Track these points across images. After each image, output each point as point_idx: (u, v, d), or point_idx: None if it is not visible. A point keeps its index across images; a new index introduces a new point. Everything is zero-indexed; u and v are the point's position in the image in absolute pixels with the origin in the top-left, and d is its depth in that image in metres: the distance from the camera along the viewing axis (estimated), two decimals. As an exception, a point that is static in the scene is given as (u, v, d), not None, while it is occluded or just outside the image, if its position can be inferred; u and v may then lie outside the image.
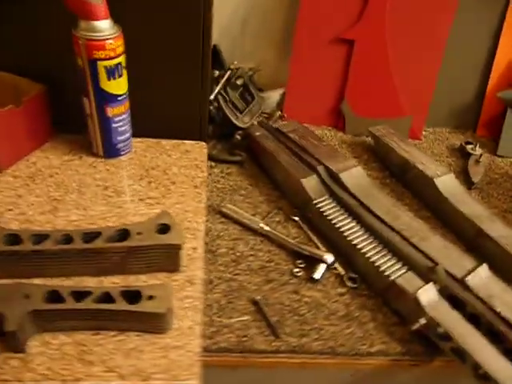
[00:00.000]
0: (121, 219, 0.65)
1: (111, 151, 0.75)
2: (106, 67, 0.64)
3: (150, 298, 0.50)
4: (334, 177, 0.75)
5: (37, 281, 0.55)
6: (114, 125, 0.71)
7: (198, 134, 0.83)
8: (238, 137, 0.84)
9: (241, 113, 0.86)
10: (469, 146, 0.93)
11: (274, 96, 0.96)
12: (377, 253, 0.65)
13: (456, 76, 0.97)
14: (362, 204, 0.72)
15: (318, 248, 0.69)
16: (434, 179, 0.77)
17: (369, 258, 0.64)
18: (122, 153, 0.76)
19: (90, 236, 0.55)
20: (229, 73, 0.86)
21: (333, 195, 0.73)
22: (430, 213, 0.78)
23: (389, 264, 0.63)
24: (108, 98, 0.68)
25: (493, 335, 0.56)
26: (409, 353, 0.58)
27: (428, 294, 0.59)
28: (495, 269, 0.64)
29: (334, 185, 0.74)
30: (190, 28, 0.72)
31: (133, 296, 0.50)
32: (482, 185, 0.87)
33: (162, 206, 0.68)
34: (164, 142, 0.82)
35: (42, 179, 0.70)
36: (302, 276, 0.65)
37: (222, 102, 0.84)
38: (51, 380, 0.46)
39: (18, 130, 0.70)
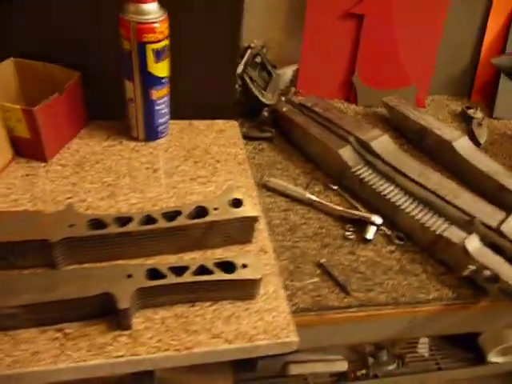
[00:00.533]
0: (179, 199, 0.67)
1: (151, 134, 0.75)
2: (154, 50, 0.65)
3: (244, 266, 0.53)
4: (365, 146, 0.80)
5: (121, 263, 0.57)
6: (157, 107, 0.72)
7: (227, 113, 0.85)
8: (266, 113, 0.87)
9: (264, 90, 0.89)
10: (470, 111, 1.01)
11: (287, 72, 0.99)
12: (419, 211, 0.71)
13: (452, 46, 1.04)
14: (395, 169, 0.77)
15: (360, 211, 0.74)
16: (452, 142, 0.84)
17: (413, 216, 0.70)
18: (162, 135, 0.77)
19: (171, 215, 0.57)
20: (249, 51, 0.88)
21: (367, 163, 0.78)
22: (449, 174, 0.85)
23: (432, 220, 0.70)
24: (153, 81, 0.69)
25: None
26: (459, 297, 0.65)
27: (473, 243, 0.66)
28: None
29: (366, 153, 0.79)
30: (223, 9, 0.73)
31: (226, 266, 0.53)
32: (486, 145, 0.95)
33: (215, 184, 0.71)
34: (196, 122, 0.83)
35: (90, 166, 0.70)
36: (354, 238, 0.71)
37: (247, 80, 0.86)
38: (165, 351, 0.49)
39: (61, 118, 0.69)
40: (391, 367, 1.14)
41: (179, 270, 0.52)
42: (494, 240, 0.67)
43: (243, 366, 0.95)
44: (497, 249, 0.67)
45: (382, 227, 0.72)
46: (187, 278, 0.51)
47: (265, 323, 0.53)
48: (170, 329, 0.51)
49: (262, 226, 0.65)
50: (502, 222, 0.69)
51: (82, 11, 0.68)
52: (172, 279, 0.51)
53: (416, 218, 0.70)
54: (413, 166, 0.78)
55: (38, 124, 0.64)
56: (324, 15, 0.95)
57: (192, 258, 0.59)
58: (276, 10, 1.05)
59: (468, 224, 0.69)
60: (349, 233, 0.71)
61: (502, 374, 1.26)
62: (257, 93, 0.86)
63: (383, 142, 0.81)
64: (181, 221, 0.56)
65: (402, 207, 0.71)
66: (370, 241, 0.70)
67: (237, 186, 0.71)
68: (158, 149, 0.76)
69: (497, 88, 1.04)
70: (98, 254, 0.55)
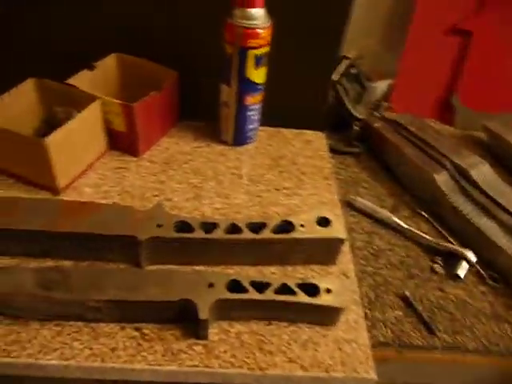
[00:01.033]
0: (263, 208, 0.66)
1: (240, 139, 0.75)
2: (255, 56, 0.64)
3: (328, 291, 0.51)
4: (463, 173, 0.74)
5: (200, 268, 0.56)
6: (249, 113, 0.71)
7: (316, 123, 0.82)
8: (356, 127, 0.83)
9: (357, 103, 0.85)
10: None
11: (381, 86, 0.94)
12: (521, 253, 0.64)
13: None
14: (495, 202, 0.70)
15: (452, 244, 0.68)
16: None
17: (511, 255, 0.64)
18: (250, 141, 0.76)
19: (256, 226, 0.55)
20: (346, 62, 0.85)
21: (464, 191, 0.72)
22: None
23: (535, 265, 0.63)
24: (250, 87, 0.68)
25: None
26: (561, 355, 0.58)
27: None
28: None
29: (463, 181, 0.73)
30: (327, 19, 0.71)
31: (309, 288, 0.51)
32: None
33: (300, 197, 0.68)
34: (284, 131, 0.81)
35: (178, 165, 0.71)
36: (443, 273, 0.65)
37: (341, 91, 0.82)
38: (239, 368, 0.48)
39: (156, 115, 0.71)
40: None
41: (261, 286, 0.50)
42: None
43: None
44: None
45: (475, 265, 0.66)
46: (269, 295, 0.49)
47: (343, 354, 0.50)
48: (245, 345, 0.50)
49: (346, 247, 0.61)
50: None
51: (186, 15, 0.69)
52: (253, 295, 0.49)
53: (516, 259, 0.63)
54: (516, 201, 0.71)
55: (135, 119, 0.65)
56: (429, 29, 0.89)
57: (272, 273, 0.57)
58: (374, 20, 1.01)
59: None
60: (437, 266, 0.66)
61: None
62: (349, 105, 0.83)
63: (483, 171, 0.74)
64: (266, 234, 0.54)
65: (501, 246, 0.65)
66: (460, 278, 0.64)
67: (321, 201, 0.68)
68: (245, 154, 0.75)
69: None
70: (180, 257, 0.55)
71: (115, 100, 0.64)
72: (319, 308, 0.50)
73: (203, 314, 0.47)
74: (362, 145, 0.84)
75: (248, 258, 0.57)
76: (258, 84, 0.68)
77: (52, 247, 0.54)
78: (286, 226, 0.56)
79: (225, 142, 0.76)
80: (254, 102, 0.70)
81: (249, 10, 0.61)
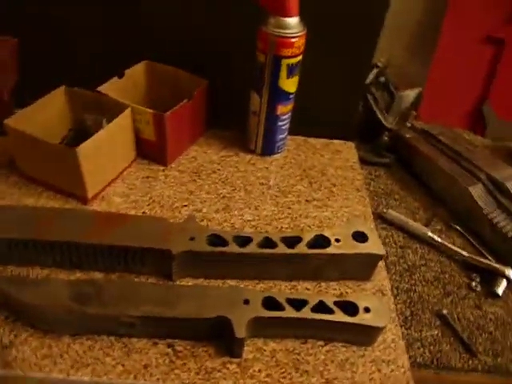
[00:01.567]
0: (294, 221, 0.64)
1: (269, 149, 0.73)
2: (288, 65, 0.63)
3: (366, 310, 0.49)
4: (500, 186, 0.71)
5: (232, 283, 0.55)
6: (280, 123, 0.70)
7: (345, 133, 0.81)
8: (386, 138, 0.81)
9: (386, 112, 0.83)
10: None
11: (410, 95, 0.92)
12: (563, 271, 0.62)
13: None
14: (533, 217, 0.68)
15: (489, 260, 0.66)
16: None
17: (554, 276, 0.61)
18: (279, 151, 0.75)
19: (291, 241, 0.54)
20: (376, 70, 0.83)
21: (500, 205, 0.70)
22: None
23: None
24: (281, 96, 0.66)
25: None
26: None
27: None
28: None
29: (499, 194, 0.71)
30: (361, 28, 0.70)
31: (346, 306, 0.49)
32: None
33: (331, 209, 0.67)
34: (313, 140, 0.80)
35: (207, 175, 0.70)
36: (480, 290, 0.63)
37: (371, 101, 0.81)
38: (275, 388, 0.46)
39: (186, 124, 0.70)
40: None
41: (297, 303, 0.48)
42: None
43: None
44: None
45: (514, 282, 0.64)
46: (306, 313, 0.48)
47: (382, 376, 0.48)
48: (281, 364, 0.48)
49: (381, 263, 0.59)
50: None
51: (217, 23, 0.68)
52: (290, 312, 0.47)
53: (559, 278, 0.61)
54: (555, 216, 0.68)
55: (166, 129, 0.65)
56: (460, 37, 0.88)
57: (306, 288, 0.56)
58: (402, 29, 1.00)
59: None
60: (474, 283, 0.63)
61: None
62: (379, 115, 0.81)
63: (520, 184, 0.72)
64: (301, 249, 0.53)
65: (542, 263, 0.62)
66: (499, 296, 0.62)
67: (353, 214, 0.67)
68: (274, 164, 0.73)
69: None
70: (212, 271, 0.54)
71: (147, 109, 0.64)
72: (358, 327, 0.48)
73: (240, 332, 0.45)
74: (392, 155, 0.82)
75: (282, 273, 0.55)
76: (289, 93, 0.67)
77: (82, 259, 0.53)
78: (321, 241, 0.55)
79: (253, 152, 0.74)
80: (284, 111, 0.68)
81: (283, 18, 0.60)
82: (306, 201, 0.68)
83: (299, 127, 0.77)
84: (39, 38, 0.69)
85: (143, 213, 0.62)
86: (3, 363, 0.45)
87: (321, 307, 0.49)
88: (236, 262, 0.53)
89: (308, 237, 0.54)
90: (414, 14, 0.98)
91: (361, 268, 0.56)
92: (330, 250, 0.53)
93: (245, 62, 0.66)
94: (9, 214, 0.54)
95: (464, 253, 0.66)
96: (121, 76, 0.70)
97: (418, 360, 0.54)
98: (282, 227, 0.63)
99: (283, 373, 0.47)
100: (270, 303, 0.48)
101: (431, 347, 0.56)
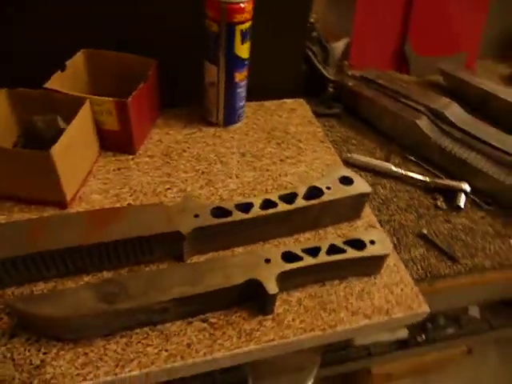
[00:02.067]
0: (276, 181, 0.67)
1: (231, 118, 0.74)
2: (241, 31, 0.63)
3: (372, 242, 0.54)
4: (439, 114, 0.80)
5: (240, 250, 0.57)
6: (239, 90, 0.71)
7: (294, 91, 0.84)
8: (331, 89, 0.86)
9: (326, 65, 0.87)
10: (521, 72, 1.01)
11: (339, 46, 0.97)
12: (505, 176, 0.71)
13: (494, 10, 1.04)
14: (471, 135, 0.77)
15: (446, 180, 0.74)
16: (519, 104, 0.84)
17: (499, 180, 0.71)
18: (240, 119, 0.76)
19: (288, 197, 0.56)
20: (310, 27, 0.86)
21: (443, 131, 0.79)
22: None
23: (519, 183, 0.70)
24: (238, 63, 0.67)
25: None
26: (557, 255, 0.67)
27: None
28: None
29: (440, 122, 0.79)
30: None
31: (354, 244, 0.53)
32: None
33: (305, 164, 0.70)
34: (267, 103, 0.82)
35: (178, 155, 0.69)
36: (445, 207, 0.71)
37: (311, 56, 0.84)
38: (311, 331, 0.49)
39: (145, 108, 0.68)
40: (449, 331, 1.17)
41: (312, 251, 0.52)
42: None
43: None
44: None
45: (470, 194, 0.73)
46: (323, 258, 0.51)
47: (396, 296, 0.54)
48: (309, 309, 0.52)
49: (363, 201, 0.65)
50: None
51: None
52: (309, 261, 0.51)
53: (504, 181, 0.71)
54: (487, 131, 0.78)
55: (130, 116, 0.62)
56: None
57: (307, 239, 0.59)
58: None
59: (556, 184, 0.70)
60: (439, 202, 0.71)
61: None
62: (321, 68, 0.85)
63: (455, 110, 0.81)
64: (300, 203, 0.56)
65: (488, 172, 0.72)
66: (461, 208, 0.71)
67: (326, 163, 0.71)
68: (239, 133, 0.75)
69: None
70: (220, 243, 0.55)
71: (108, 98, 0.61)
72: (368, 259, 0.53)
73: (272, 288, 0.47)
74: (340, 105, 0.87)
75: (284, 230, 0.58)
76: (244, 59, 0.68)
77: (87, 262, 0.51)
78: (314, 192, 0.58)
79: (215, 124, 0.75)
80: (242, 78, 0.69)
81: (231, -16, 0.60)
82: (281, 160, 0.70)
83: (252, 93, 0.78)
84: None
85: (129, 204, 0.60)
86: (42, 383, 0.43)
87: (332, 249, 0.53)
88: (241, 228, 0.54)
89: (302, 191, 0.57)
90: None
91: (352, 208, 0.60)
92: (325, 198, 0.57)
93: (188, 35, 0.66)
94: (-8, 235, 0.50)
95: (425, 178, 0.74)
96: (63, 69, 0.66)
97: (414, 277, 0.61)
98: (266, 189, 0.65)
99: (315, 316, 0.51)
100: (289, 257, 0.51)
101: (422, 263, 0.63)
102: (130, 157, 0.68)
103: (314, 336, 0.50)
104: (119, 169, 0.66)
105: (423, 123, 0.78)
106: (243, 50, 0.66)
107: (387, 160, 0.77)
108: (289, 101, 0.83)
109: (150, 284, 0.47)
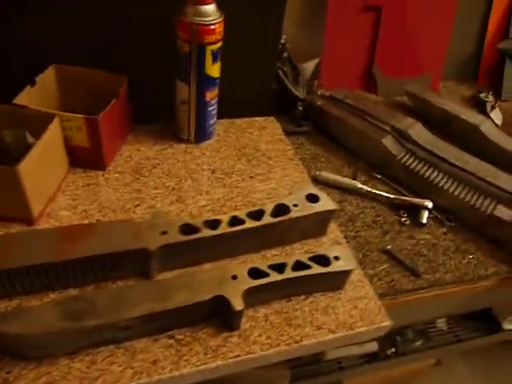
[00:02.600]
0: (245, 197, 0.68)
1: (202, 135, 0.75)
2: (212, 51, 0.65)
3: (336, 258, 0.55)
4: (403, 134, 0.83)
5: (207, 266, 0.57)
6: (210, 108, 0.72)
7: (264, 109, 0.85)
8: (300, 108, 0.88)
9: (296, 85, 0.90)
10: (482, 95, 1.06)
11: (310, 66, 1.00)
12: (465, 193, 0.75)
13: (457, 34, 1.09)
14: (433, 154, 0.81)
15: (410, 197, 0.77)
16: (480, 127, 0.88)
17: (461, 198, 0.74)
18: (211, 136, 0.77)
19: (256, 214, 0.58)
20: (280, 47, 0.89)
21: (407, 150, 0.82)
22: (478, 157, 0.89)
23: (479, 201, 0.74)
24: (209, 82, 0.69)
25: None
26: (514, 270, 0.70)
27: (522, 220, 0.71)
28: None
29: (404, 141, 0.83)
30: (266, 9, 0.74)
31: (319, 260, 0.55)
32: (503, 127, 1.00)
33: (274, 181, 0.72)
34: (238, 121, 0.83)
35: (149, 171, 0.69)
36: (409, 223, 0.74)
37: (282, 75, 0.87)
38: (277, 346, 0.50)
39: (116, 124, 0.68)
40: (417, 343, 1.19)
41: (278, 267, 0.53)
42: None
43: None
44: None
45: (433, 211, 0.76)
46: (288, 274, 0.52)
47: (360, 311, 0.56)
48: (275, 325, 0.52)
49: (329, 218, 0.67)
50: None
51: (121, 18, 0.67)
52: (275, 277, 0.52)
53: (465, 199, 0.74)
54: (449, 151, 0.82)
55: (100, 132, 0.63)
56: (344, 8, 0.97)
57: (274, 255, 0.60)
58: (292, 5, 1.06)
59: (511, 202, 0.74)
60: (404, 218, 0.74)
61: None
62: (291, 87, 0.88)
63: (418, 130, 0.85)
64: (267, 219, 0.57)
65: (450, 190, 0.75)
66: (424, 225, 0.73)
67: (295, 181, 0.72)
68: (210, 149, 0.76)
69: (502, 71, 1.10)
70: (188, 259, 0.56)
71: (78, 115, 0.61)
72: (333, 274, 0.55)
73: (238, 305, 0.48)
74: (309, 123, 0.90)
75: (251, 246, 0.59)
76: (215, 79, 0.69)
77: (54, 279, 0.50)
78: (281, 208, 0.59)
79: (186, 141, 0.76)
80: (212, 96, 0.71)
81: (201, 6, 0.61)
82: (250, 177, 0.72)
83: (223, 110, 0.80)
84: None
85: (97, 221, 0.61)
86: (3, 404, 0.43)
87: (298, 265, 0.54)
88: (209, 245, 0.55)
89: (270, 208, 0.59)
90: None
91: (318, 225, 0.62)
92: (292, 215, 0.58)
93: (158, 54, 0.67)
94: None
95: (389, 195, 0.76)
96: (33, 84, 0.66)
97: (379, 291, 0.63)
98: (236, 206, 0.66)
99: (280, 331, 0.52)
100: (255, 273, 0.52)
101: (386, 278, 0.65)
102: (100, 173, 0.68)
103: (279, 351, 0.51)
104: (88, 185, 0.66)
105: (389, 142, 0.81)
106: (214, 70, 0.68)
107: (354, 177, 0.80)
108: (259, 119, 0.85)
109: (118, 300, 0.48)
